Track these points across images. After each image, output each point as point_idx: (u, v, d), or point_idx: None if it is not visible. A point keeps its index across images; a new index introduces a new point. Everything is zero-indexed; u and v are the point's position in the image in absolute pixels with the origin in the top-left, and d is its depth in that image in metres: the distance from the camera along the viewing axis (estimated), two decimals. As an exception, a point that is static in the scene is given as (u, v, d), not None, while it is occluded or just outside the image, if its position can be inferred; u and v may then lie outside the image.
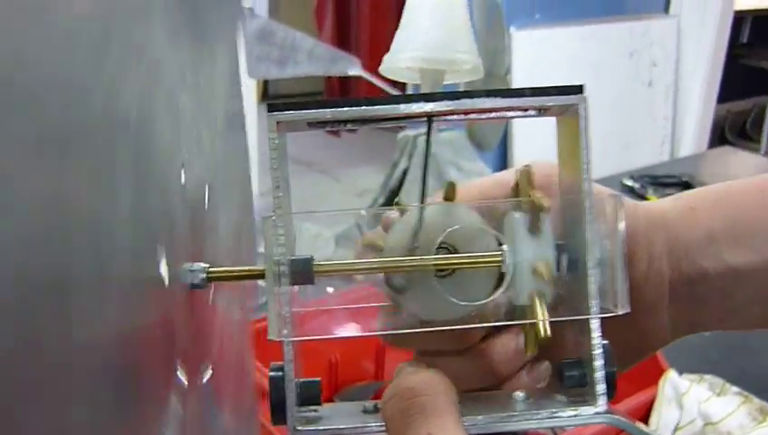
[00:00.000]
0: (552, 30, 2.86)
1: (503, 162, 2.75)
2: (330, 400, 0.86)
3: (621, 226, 0.30)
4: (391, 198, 1.20)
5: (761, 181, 0.38)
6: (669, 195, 1.29)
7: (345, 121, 0.31)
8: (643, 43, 3.07)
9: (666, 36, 3.12)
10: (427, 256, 0.31)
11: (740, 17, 3.95)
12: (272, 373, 0.31)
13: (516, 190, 0.33)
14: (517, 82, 2.73)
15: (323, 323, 0.33)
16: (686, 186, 1.47)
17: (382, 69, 0.32)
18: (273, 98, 5.06)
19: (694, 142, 3.20)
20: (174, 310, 0.30)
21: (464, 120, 0.32)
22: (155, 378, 0.27)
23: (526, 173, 0.32)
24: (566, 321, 0.32)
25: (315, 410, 0.32)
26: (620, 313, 0.30)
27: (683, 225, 0.37)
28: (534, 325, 0.31)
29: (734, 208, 0.37)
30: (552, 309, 0.31)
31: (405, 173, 1.18)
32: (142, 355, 0.25)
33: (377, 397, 0.83)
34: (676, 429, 0.75)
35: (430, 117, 0.32)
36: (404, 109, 0.30)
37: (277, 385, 0.31)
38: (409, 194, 1.32)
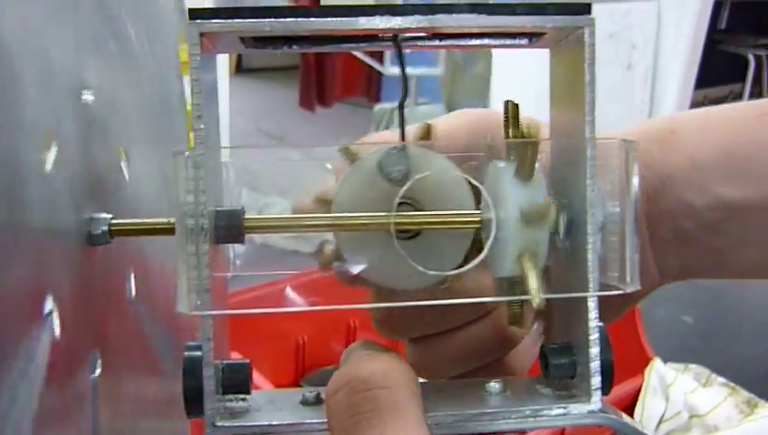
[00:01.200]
0: (533, 8, 2.82)
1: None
2: (296, 384, 0.82)
3: (634, 181, 0.25)
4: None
5: (757, 104, 0.32)
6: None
7: (290, 40, 0.25)
8: (623, 25, 3.04)
9: (646, 19, 3.10)
10: (385, 214, 0.25)
11: (719, 3, 3.94)
12: (187, 353, 0.24)
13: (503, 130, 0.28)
14: (497, 60, 2.68)
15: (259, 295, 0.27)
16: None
17: None
18: (246, 70, 4.96)
19: (671, 127, 3.20)
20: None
21: (439, 46, 0.26)
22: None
23: (513, 108, 0.27)
24: (560, 298, 0.27)
25: (243, 400, 0.26)
26: (629, 290, 0.25)
27: (660, 150, 0.31)
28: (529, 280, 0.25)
29: (727, 134, 0.31)
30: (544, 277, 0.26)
31: (381, 147, 1.13)
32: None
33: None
34: (660, 421, 0.71)
35: (397, 37, 0.26)
36: (364, 23, 0.24)
37: (193, 369, 0.24)
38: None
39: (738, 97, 4.19)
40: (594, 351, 0.25)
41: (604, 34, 2.99)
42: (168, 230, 0.25)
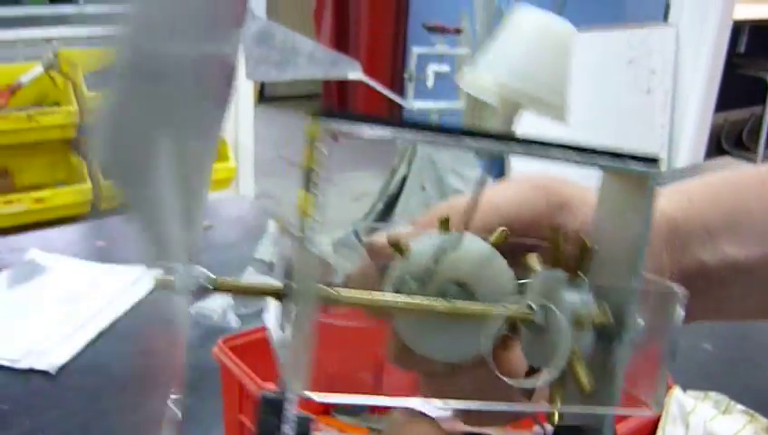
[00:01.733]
0: (551, 36, 2.86)
1: (501, 168, 2.74)
2: (327, 412, 0.84)
3: (677, 322, 0.27)
4: (390, 205, 1.18)
5: (758, 173, 0.37)
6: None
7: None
8: (642, 50, 3.07)
9: (664, 44, 3.12)
10: (461, 302, 0.28)
11: (738, 27, 3.96)
12: (265, 397, 0.27)
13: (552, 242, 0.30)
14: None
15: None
16: (687, 196, 1.46)
17: (463, 79, 0.29)
18: (269, 100, 5.04)
19: (691, 150, 3.21)
20: None
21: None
22: None
23: (557, 236, 0.29)
24: (587, 413, 0.29)
25: None
26: (656, 411, 0.28)
27: (682, 218, 0.35)
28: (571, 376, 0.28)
29: (733, 200, 0.36)
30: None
31: (404, 180, 1.16)
32: None
33: (373, 411, 0.80)
34: (681, 448, 0.73)
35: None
36: (469, 143, 0.26)
37: (271, 411, 0.26)
38: (408, 201, 1.30)
39: (759, 119, 4.19)
40: None
41: (623, 60, 3.02)
42: (277, 295, 0.27)
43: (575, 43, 0.28)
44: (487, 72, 0.28)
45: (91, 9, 2.68)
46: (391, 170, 1.20)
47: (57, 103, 2.29)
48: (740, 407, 0.81)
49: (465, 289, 0.29)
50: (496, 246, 0.30)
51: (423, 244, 0.29)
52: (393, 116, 3.81)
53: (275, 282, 0.27)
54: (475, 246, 0.29)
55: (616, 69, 3.04)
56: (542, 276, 0.29)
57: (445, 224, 0.30)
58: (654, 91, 3.14)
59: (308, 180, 0.25)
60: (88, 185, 2.25)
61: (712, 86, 3.20)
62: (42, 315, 1.02)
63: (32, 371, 0.89)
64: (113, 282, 1.11)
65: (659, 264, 0.35)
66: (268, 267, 1.13)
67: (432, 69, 1.19)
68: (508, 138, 0.26)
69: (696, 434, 0.74)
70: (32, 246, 1.21)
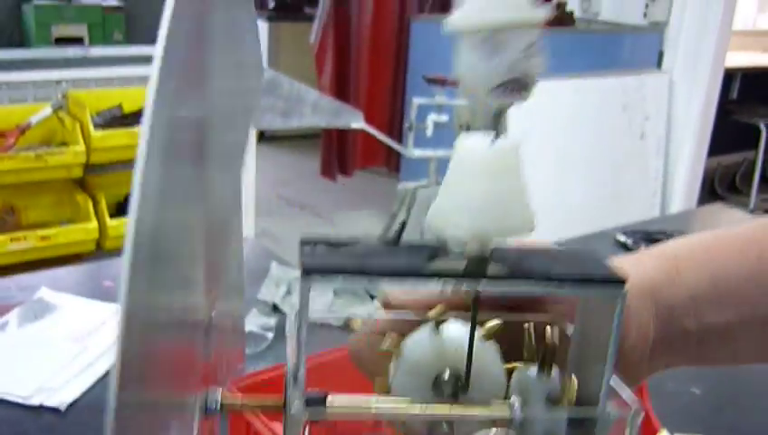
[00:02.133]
0: (548, 82, 2.92)
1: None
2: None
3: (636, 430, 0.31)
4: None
5: (741, 242, 0.41)
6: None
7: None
8: (636, 97, 3.14)
9: (658, 91, 3.19)
10: (440, 406, 0.31)
11: (730, 74, 4.04)
12: None
13: (528, 341, 0.33)
14: (511, 132, 2.77)
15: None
16: (678, 242, 1.50)
17: (428, 221, 0.30)
18: (269, 138, 5.10)
19: (684, 195, 3.25)
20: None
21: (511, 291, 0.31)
22: None
23: (536, 334, 0.32)
24: None
25: None
26: None
27: (669, 289, 0.39)
28: None
29: (716, 268, 0.40)
30: None
31: (404, 225, 1.20)
32: None
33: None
34: (668, 489, 0.76)
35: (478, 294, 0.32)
36: (444, 286, 0.29)
37: None
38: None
39: (751, 164, 4.25)
40: None
41: (618, 106, 3.08)
42: (276, 408, 0.31)
43: (521, 155, 0.30)
44: (451, 216, 0.29)
45: (96, 52, 2.74)
46: (391, 215, 1.24)
47: (65, 143, 2.33)
48: (725, 449, 0.84)
49: (455, 375, 0.32)
50: (489, 337, 0.32)
51: (415, 343, 0.32)
52: (388, 153, 3.84)
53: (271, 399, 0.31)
54: (461, 339, 0.32)
55: (611, 114, 3.11)
56: (518, 375, 0.32)
57: (437, 322, 0.32)
58: (648, 136, 3.20)
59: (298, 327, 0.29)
60: (93, 224, 2.28)
61: (705, 131, 3.26)
62: (52, 353, 1.05)
63: (42, 407, 0.92)
64: (121, 321, 1.14)
65: (646, 331, 0.39)
66: (271, 309, 1.16)
67: (431, 119, 1.24)
68: (480, 274, 0.29)
69: (681, 475, 0.76)
70: (41, 284, 1.24)
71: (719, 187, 4.48)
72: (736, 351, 0.41)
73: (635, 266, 0.39)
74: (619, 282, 0.30)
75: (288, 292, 1.20)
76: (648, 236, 1.51)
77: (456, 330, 0.33)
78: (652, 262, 0.41)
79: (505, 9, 0.28)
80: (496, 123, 0.30)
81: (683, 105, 3.22)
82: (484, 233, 0.29)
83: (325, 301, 1.19)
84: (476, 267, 0.29)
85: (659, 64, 3.24)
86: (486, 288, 0.29)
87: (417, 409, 0.31)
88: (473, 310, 0.32)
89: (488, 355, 0.32)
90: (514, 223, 0.29)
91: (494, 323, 0.32)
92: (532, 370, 0.32)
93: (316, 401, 0.30)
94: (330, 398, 0.30)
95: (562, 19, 3.18)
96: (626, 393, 0.31)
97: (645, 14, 3.20)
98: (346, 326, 1.14)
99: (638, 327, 0.38)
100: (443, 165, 1.23)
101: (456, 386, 0.32)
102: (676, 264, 0.40)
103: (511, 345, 0.34)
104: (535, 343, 0.32)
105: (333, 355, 0.75)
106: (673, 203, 3.25)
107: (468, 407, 0.31)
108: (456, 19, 0.29)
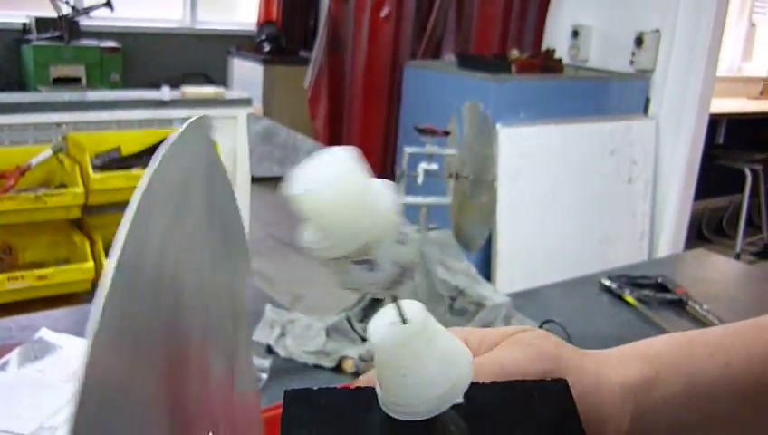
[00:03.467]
0: (536, 127, 2.99)
1: (486, 260, 2.83)
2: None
3: None
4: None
5: (711, 349, 0.46)
6: (646, 295, 1.34)
7: None
8: (623, 141, 3.21)
9: (645, 136, 3.26)
10: None
11: (716, 120, 4.13)
12: None
13: None
14: (501, 176, 2.84)
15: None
16: (662, 288, 1.54)
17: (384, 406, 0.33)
18: (261, 179, 5.15)
19: (671, 238, 3.31)
20: None
21: None
22: None
23: None
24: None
25: None
26: None
27: (647, 389, 0.44)
28: None
29: (691, 372, 0.44)
30: None
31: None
32: None
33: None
34: None
35: None
36: None
37: None
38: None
39: (738, 207, 4.32)
40: None
41: (606, 151, 3.15)
42: None
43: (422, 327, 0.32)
44: (398, 405, 0.32)
45: (94, 96, 2.81)
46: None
47: (64, 185, 2.38)
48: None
49: None
50: None
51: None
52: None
53: None
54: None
55: (599, 159, 3.17)
56: None
57: None
58: (635, 180, 3.27)
59: None
60: (90, 264, 2.31)
61: (691, 175, 3.32)
62: (52, 392, 1.08)
63: (44, 446, 0.95)
64: (119, 361, 1.17)
65: (620, 426, 0.42)
66: (265, 350, 1.20)
67: (422, 167, 1.29)
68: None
69: None
70: (40, 325, 1.27)
71: (706, 230, 4.55)
72: None
73: (619, 368, 0.44)
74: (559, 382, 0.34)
75: (282, 334, 1.24)
76: (631, 280, 1.56)
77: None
78: (635, 364, 0.44)
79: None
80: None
81: (669, 150, 3.29)
82: (434, 408, 0.32)
83: (318, 343, 1.22)
84: None
85: (646, 110, 3.32)
86: None
87: None
88: None
89: None
90: (455, 383, 0.32)
91: None
92: None
93: None
94: None
95: (551, 65, 3.26)
96: None
97: (632, 62, 3.29)
98: (338, 368, 1.17)
99: (617, 424, 0.42)
100: (433, 212, 1.27)
101: None
102: (656, 368, 0.44)
103: None
104: None
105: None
106: (660, 246, 3.30)
107: None
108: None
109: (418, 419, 0.32)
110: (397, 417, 0.32)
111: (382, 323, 0.32)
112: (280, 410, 0.35)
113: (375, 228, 0.29)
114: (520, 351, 0.40)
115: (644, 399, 0.43)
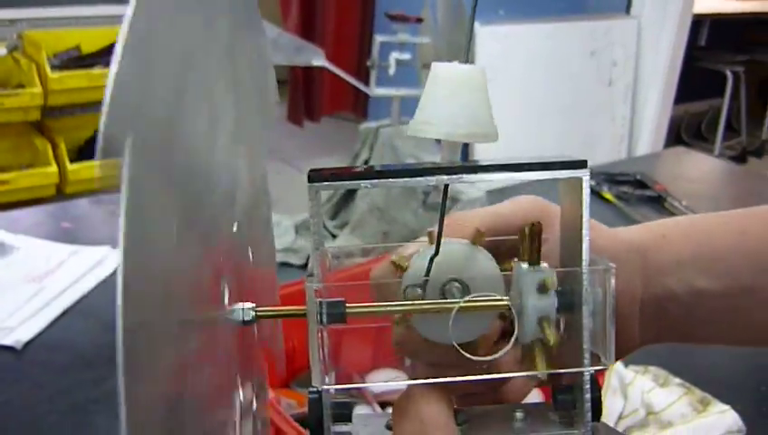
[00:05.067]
0: (516, 26, 2.89)
1: (464, 154, 2.77)
2: (287, 385, 0.87)
3: (611, 298, 0.34)
4: (352, 189, 1.21)
5: (724, 215, 0.43)
6: (624, 193, 1.31)
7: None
8: (604, 42, 3.12)
9: (626, 37, 3.17)
10: (447, 301, 0.35)
11: (698, 21, 4.04)
12: (311, 396, 0.35)
13: (523, 242, 0.36)
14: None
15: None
16: (641, 184, 1.51)
17: (408, 129, 0.35)
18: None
19: (651, 142, 3.28)
20: (232, 339, 0.34)
21: (476, 180, 0.35)
22: (223, 396, 0.32)
23: (531, 232, 0.36)
24: (564, 372, 0.37)
25: (346, 424, 0.37)
26: (609, 365, 0.34)
27: (655, 250, 0.41)
28: (540, 357, 0.35)
29: (701, 237, 0.42)
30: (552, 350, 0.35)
31: (366, 164, 1.19)
32: (212, 378, 0.29)
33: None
34: (620, 417, 0.78)
35: (447, 186, 0.36)
36: (425, 180, 0.34)
37: (316, 405, 0.35)
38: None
39: (717, 112, 4.29)
40: (587, 395, 0.35)
41: (585, 51, 3.07)
42: (302, 315, 0.35)
43: (486, 77, 0.35)
44: (427, 124, 0.34)
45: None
46: (354, 155, 1.23)
47: (21, 85, 2.27)
48: (677, 380, 0.86)
49: (460, 283, 0.36)
50: (479, 243, 0.37)
51: (418, 259, 0.37)
52: (356, 99, 3.82)
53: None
54: (457, 249, 0.36)
55: (579, 60, 3.10)
56: (514, 272, 0.36)
57: (431, 236, 0.37)
58: (616, 82, 3.21)
59: (312, 230, 0.35)
60: (53, 168, 2.24)
61: (672, 78, 3.27)
62: (9, 293, 1.03)
63: (-2, 346, 0.91)
64: (78, 262, 1.13)
65: (632, 288, 0.41)
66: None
67: (394, 57, 1.22)
68: (455, 169, 0.34)
69: (633, 404, 0.78)
70: (-2, 226, 1.22)
71: (685, 134, 4.52)
72: (722, 327, 0.42)
73: (621, 231, 0.42)
74: (580, 163, 0.34)
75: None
76: (610, 177, 1.52)
77: (453, 245, 0.37)
78: (638, 229, 0.43)
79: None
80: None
81: (651, 51, 3.22)
82: (454, 134, 0.34)
83: (286, 240, 1.18)
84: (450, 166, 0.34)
85: (628, 9, 3.23)
86: (464, 180, 0.34)
87: (427, 306, 0.35)
88: (443, 198, 0.36)
89: (481, 259, 0.36)
90: (479, 130, 0.34)
91: (474, 230, 0.37)
92: (524, 265, 0.35)
93: (336, 305, 0.34)
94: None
95: (532, -38, 3.14)
96: (601, 261, 0.34)
97: (615, -41, 3.18)
98: (306, 265, 1.14)
99: (626, 277, 0.40)
100: (405, 104, 1.21)
101: (461, 291, 0.36)
102: (662, 232, 0.42)
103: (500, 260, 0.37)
104: (525, 242, 0.35)
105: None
106: (639, 150, 3.27)
107: (472, 300, 0.35)
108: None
109: (434, 136, 0.34)
110: (417, 135, 0.34)
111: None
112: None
113: None
114: (513, 201, 0.42)
115: (653, 258, 0.41)
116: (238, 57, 0.35)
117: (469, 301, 0.35)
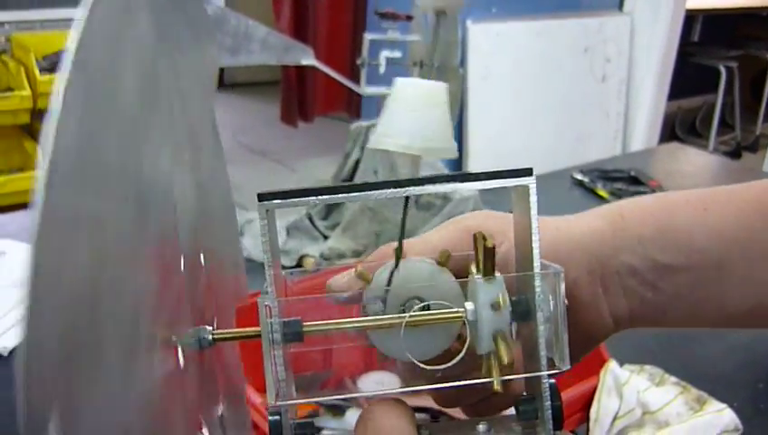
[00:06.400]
0: (508, 24, 2.88)
1: (456, 159, 2.76)
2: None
3: (561, 303, 0.34)
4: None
5: (686, 193, 0.42)
6: (618, 189, 1.30)
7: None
8: (597, 39, 3.11)
9: (619, 33, 3.17)
10: (399, 315, 0.35)
11: (691, 16, 4.03)
12: (271, 418, 0.35)
13: (477, 252, 0.36)
14: (472, 74, 2.75)
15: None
16: (635, 180, 1.50)
17: (371, 143, 0.36)
18: (229, 86, 5.00)
19: (645, 137, 3.27)
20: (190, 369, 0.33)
21: (435, 190, 0.36)
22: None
23: (481, 241, 0.35)
24: (516, 378, 0.37)
25: None
26: (564, 369, 0.34)
27: (611, 230, 0.41)
28: (495, 371, 0.35)
29: (662, 215, 0.41)
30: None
31: (357, 163, 1.18)
32: (168, 415, 0.29)
33: (324, 385, 0.82)
34: (615, 417, 0.77)
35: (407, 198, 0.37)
36: (378, 194, 0.35)
37: (275, 428, 0.35)
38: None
39: (711, 107, 4.28)
40: (547, 403, 0.35)
41: (579, 48, 3.06)
42: (258, 336, 0.35)
43: (446, 94, 0.36)
44: (387, 137, 0.35)
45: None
46: (345, 155, 1.22)
47: (10, 88, 2.25)
48: (673, 379, 0.85)
49: (420, 300, 0.36)
50: (443, 263, 0.37)
51: (381, 273, 0.37)
52: (349, 99, 3.81)
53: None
54: (420, 268, 0.37)
55: (572, 57, 3.09)
56: (469, 285, 0.36)
57: (397, 252, 0.37)
58: (609, 78, 3.20)
59: (263, 249, 0.34)
60: (43, 171, 2.22)
61: (665, 74, 3.26)
62: (-6, 299, 1.02)
63: (-17, 353, 0.89)
64: (67, 266, 1.11)
65: (590, 270, 0.40)
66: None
67: (384, 55, 1.21)
68: (404, 182, 0.34)
69: (629, 404, 0.77)
70: (-16, 231, 1.20)
71: (679, 130, 4.52)
72: (693, 303, 0.41)
73: (578, 217, 0.42)
74: (525, 171, 0.35)
75: (240, 233, 1.18)
76: (604, 174, 1.51)
77: (417, 263, 0.38)
78: (595, 212, 0.42)
79: None
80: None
81: (644, 47, 3.21)
82: (414, 148, 0.35)
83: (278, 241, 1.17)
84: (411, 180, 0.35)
85: (621, 6, 3.22)
86: (407, 193, 0.34)
87: (382, 321, 0.35)
88: (403, 211, 0.37)
89: (444, 279, 0.37)
90: (436, 145, 0.35)
91: (445, 251, 0.37)
92: (478, 278, 0.35)
93: (292, 325, 0.34)
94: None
95: (524, -41, 3.13)
96: (551, 265, 0.35)
97: (607, -45, 3.17)
98: (299, 266, 1.12)
99: (580, 267, 0.40)
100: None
101: (422, 308, 0.36)
102: (620, 213, 0.41)
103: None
104: (479, 253, 0.35)
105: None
106: (633, 146, 3.27)
107: (425, 313, 0.35)
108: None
109: (392, 149, 0.35)
110: (376, 147, 0.35)
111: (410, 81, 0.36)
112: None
113: None
114: (444, 229, 0.42)
115: (611, 237, 0.40)
116: (179, 65, 0.35)
117: (423, 314, 0.35)
